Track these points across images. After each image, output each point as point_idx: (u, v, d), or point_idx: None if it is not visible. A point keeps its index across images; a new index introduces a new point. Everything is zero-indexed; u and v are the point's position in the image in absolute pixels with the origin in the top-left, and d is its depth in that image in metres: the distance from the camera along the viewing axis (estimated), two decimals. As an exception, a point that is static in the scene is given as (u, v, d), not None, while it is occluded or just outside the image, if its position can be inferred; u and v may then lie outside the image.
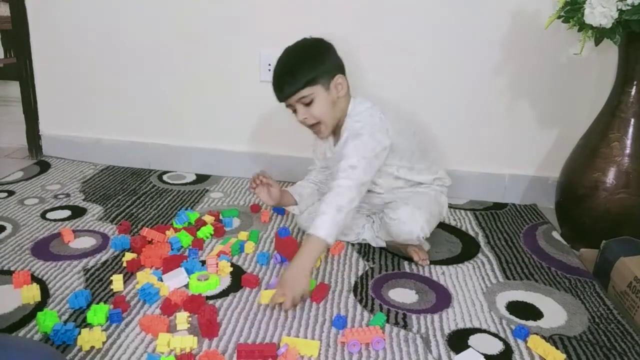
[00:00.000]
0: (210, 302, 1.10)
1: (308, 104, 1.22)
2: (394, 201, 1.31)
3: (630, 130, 1.36)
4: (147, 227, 1.39)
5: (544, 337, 1.02)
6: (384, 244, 1.36)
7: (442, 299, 1.16)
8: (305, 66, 1.21)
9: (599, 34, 1.28)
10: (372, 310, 1.10)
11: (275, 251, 1.29)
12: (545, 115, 1.68)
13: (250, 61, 1.75)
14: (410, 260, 1.31)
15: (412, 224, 1.23)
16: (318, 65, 1.22)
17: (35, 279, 1.16)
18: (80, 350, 0.94)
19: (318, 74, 1.21)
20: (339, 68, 1.26)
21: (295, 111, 1.24)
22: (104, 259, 1.26)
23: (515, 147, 1.73)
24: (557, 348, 0.99)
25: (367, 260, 1.31)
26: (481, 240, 1.46)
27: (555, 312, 1.12)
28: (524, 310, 1.13)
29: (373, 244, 1.38)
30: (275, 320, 1.05)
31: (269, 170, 1.82)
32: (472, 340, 1.02)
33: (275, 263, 1.27)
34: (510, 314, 1.11)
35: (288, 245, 1.24)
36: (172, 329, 1.00)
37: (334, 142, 1.32)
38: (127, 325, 1.01)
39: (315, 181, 1.43)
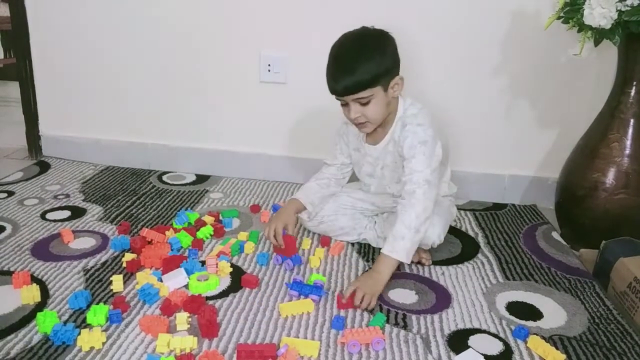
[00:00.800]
0: (210, 302, 1.10)
1: (364, 104, 1.16)
2: None
3: (630, 130, 1.36)
4: (147, 227, 1.39)
5: (543, 338, 1.02)
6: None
7: (442, 300, 1.16)
8: (368, 65, 1.13)
9: (599, 35, 1.28)
10: (372, 311, 1.10)
11: (274, 253, 1.29)
12: (545, 116, 1.69)
13: (250, 61, 1.76)
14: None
15: (430, 229, 1.22)
16: (382, 64, 1.15)
17: (35, 279, 1.16)
18: (80, 350, 0.94)
19: (381, 73, 1.14)
20: (398, 66, 1.20)
21: (345, 105, 1.19)
22: (103, 259, 1.26)
23: (515, 148, 1.73)
24: (557, 348, 0.99)
25: (367, 261, 1.31)
26: (481, 240, 1.46)
27: (555, 313, 1.12)
28: (523, 311, 1.13)
29: (374, 244, 1.38)
30: (275, 320, 1.05)
31: (268, 169, 1.84)
32: (472, 340, 1.02)
33: (276, 264, 1.26)
34: (510, 314, 1.11)
35: (287, 243, 1.24)
36: (172, 329, 1.00)
37: (373, 140, 1.29)
38: (127, 325, 1.01)
39: (329, 178, 1.40)
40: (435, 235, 1.25)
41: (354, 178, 1.44)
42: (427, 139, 1.19)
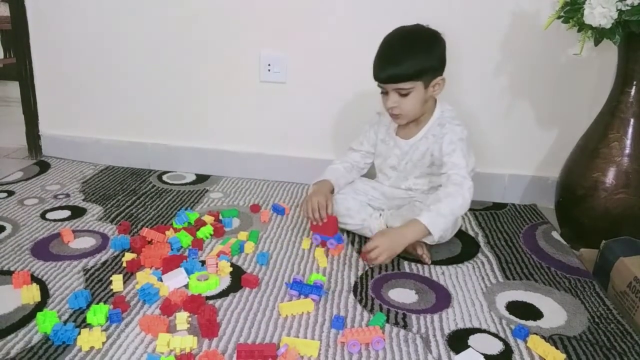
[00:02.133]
0: (210, 302, 1.10)
1: (403, 95, 1.23)
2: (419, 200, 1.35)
3: (630, 130, 1.36)
4: (147, 227, 1.39)
5: (543, 337, 1.02)
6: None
7: (442, 299, 1.16)
8: (415, 58, 1.21)
9: (599, 35, 1.28)
10: (371, 310, 1.10)
11: (313, 232, 1.32)
12: (545, 115, 1.69)
13: (250, 61, 1.76)
14: (410, 260, 1.31)
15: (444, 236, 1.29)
16: (428, 61, 1.22)
17: (35, 279, 1.16)
18: (80, 350, 0.94)
19: (425, 69, 1.22)
20: (443, 67, 1.27)
21: (385, 93, 1.26)
22: (103, 259, 1.26)
23: (515, 147, 1.73)
24: (557, 348, 0.99)
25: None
26: (481, 240, 1.46)
27: (555, 312, 1.12)
28: (523, 310, 1.13)
29: None
30: (275, 320, 1.05)
31: (268, 169, 1.84)
32: (472, 340, 1.02)
33: (315, 243, 1.33)
34: (510, 314, 1.11)
35: (330, 222, 1.28)
36: (171, 329, 1.00)
37: (405, 135, 1.35)
38: (126, 325, 1.01)
39: (352, 163, 1.45)
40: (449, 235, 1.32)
41: (368, 174, 1.49)
42: (464, 137, 1.28)
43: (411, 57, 1.21)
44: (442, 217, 1.19)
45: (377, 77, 1.25)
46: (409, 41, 1.25)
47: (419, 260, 1.31)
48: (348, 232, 1.45)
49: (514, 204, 1.73)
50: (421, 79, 1.22)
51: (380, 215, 1.40)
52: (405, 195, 1.41)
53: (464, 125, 1.31)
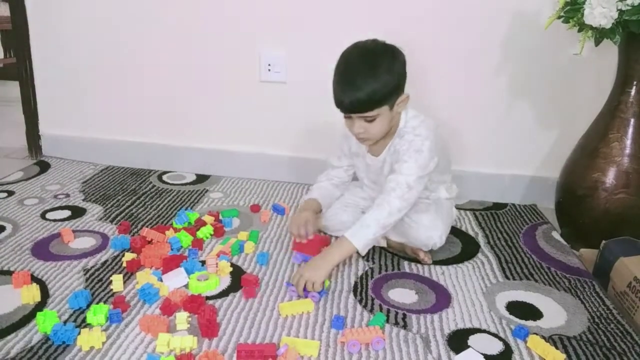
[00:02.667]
0: (210, 302, 1.10)
1: (369, 121, 1.16)
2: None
3: (630, 130, 1.36)
4: (147, 227, 1.39)
5: (543, 337, 1.02)
6: (384, 243, 1.36)
7: (441, 299, 1.16)
8: (377, 85, 1.11)
9: (599, 34, 1.28)
10: (372, 310, 1.10)
11: (294, 251, 1.29)
12: (545, 115, 1.68)
13: (250, 61, 1.75)
14: (410, 260, 1.32)
15: (433, 230, 1.25)
16: (390, 85, 1.13)
17: (35, 279, 1.16)
18: (80, 350, 0.94)
19: (387, 94, 1.14)
20: (404, 82, 1.19)
21: (349, 118, 1.18)
22: (103, 259, 1.26)
23: (515, 147, 1.73)
24: (557, 348, 0.99)
25: (367, 260, 1.31)
26: (481, 240, 1.46)
27: (555, 312, 1.12)
28: (523, 310, 1.13)
29: (374, 243, 1.37)
30: (275, 320, 1.05)
31: (268, 169, 1.84)
32: (472, 340, 1.02)
33: (294, 262, 1.27)
34: (510, 314, 1.11)
35: (314, 241, 1.25)
36: (171, 329, 1.00)
37: (375, 151, 1.29)
38: (126, 325, 1.01)
39: (335, 178, 1.41)
40: (437, 235, 1.26)
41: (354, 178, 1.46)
42: (422, 149, 1.19)
43: (373, 82, 1.11)
44: (365, 228, 1.15)
45: (339, 104, 1.15)
46: (368, 65, 1.13)
47: (417, 260, 1.31)
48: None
49: (514, 204, 1.73)
50: (386, 103, 1.14)
51: None
52: None
53: (425, 136, 1.20)
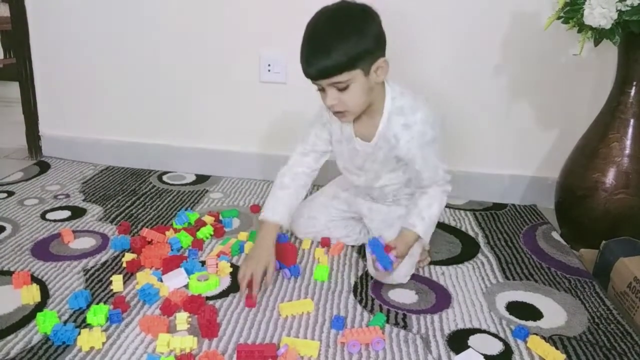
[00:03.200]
0: (210, 302, 1.10)
1: (342, 90, 1.03)
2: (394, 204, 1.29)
3: (630, 130, 1.36)
4: (147, 227, 1.39)
5: (543, 338, 1.02)
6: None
7: (442, 300, 1.16)
8: (345, 45, 0.99)
9: (599, 35, 1.28)
10: (372, 311, 1.10)
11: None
12: (545, 116, 1.69)
13: (250, 61, 1.75)
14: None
15: (397, 274, 1.18)
16: (361, 45, 1.00)
17: (35, 279, 1.16)
18: (80, 350, 0.94)
19: (360, 56, 1.00)
20: (382, 47, 1.05)
21: (322, 90, 1.06)
22: (103, 259, 1.26)
23: (515, 147, 1.73)
24: (557, 348, 0.99)
25: (367, 261, 1.31)
26: (481, 240, 1.46)
27: (555, 313, 1.12)
28: (523, 311, 1.13)
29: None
30: (275, 320, 1.05)
31: (268, 170, 1.84)
32: (472, 340, 1.02)
33: (274, 270, 1.22)
34: (510, 314, 1.11)
35: (286, 251, 1.22)
36: (172, 329, 1.00)
37: (364, 135, 1.16)
38: (127, 325, 1.01)
39: (305, 170, 1.25)
40: (402, 275, 1.19)
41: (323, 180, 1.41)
42: (435, 135, 1.11)
43: (340, 42, 0.99)
44: (431, 224, 1.17)
45: (306, 73, 1.03)
46: (334, 24, 1.02)
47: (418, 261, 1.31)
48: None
49: (514, 205, 1.73)
50: (358, 66, 1.01)
51: (369, 229, 1.34)
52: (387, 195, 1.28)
53: (428, 116, 1.10)
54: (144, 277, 1.16)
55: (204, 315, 1.00)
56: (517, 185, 1.76)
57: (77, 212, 1.52)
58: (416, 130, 1.10)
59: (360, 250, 1.37)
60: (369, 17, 1.04)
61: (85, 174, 1.84)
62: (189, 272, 1.17)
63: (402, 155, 1.14)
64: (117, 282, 1.13)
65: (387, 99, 1.11)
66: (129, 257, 1.24)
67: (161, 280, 1.15)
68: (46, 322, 0.97)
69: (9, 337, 0.97)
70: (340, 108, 1.07)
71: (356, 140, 1.18)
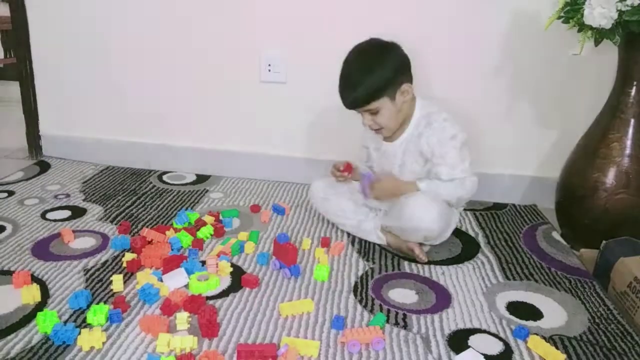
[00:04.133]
0: (210, 302, 1.10)
1: (374, 114, 1.26)
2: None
3: (630, 130, 1.36)
4: (147, 227, 1.39)
5: (544, 338, 1.02)
6: (383, 241, 1.36)
7: (442, 299, 1.16)
8: (368, 80, 1.22)
9: (599, 35, 1.28)
10: (372, 311, 1.10)
11: (274, 257, 1.27)
12: (545, 116, 1.69)
13: (250, 61, 1.76)
14: (410, 260, 1.32)
15: (426, 211, 1.25)
16: (383, 76, 1.22)
17: (35, 279, 1.16)
18: (80, 350, 0.94)
19: (382, 87, 1.22)
20: (404, 73, 1.27)
21: (361, 113, 1.29)
22: (104, 259, 1.26)
23: (515, 147, 1.73)
24: (557, 348, 0.99)
25: (367, 261, 1.31)
26: (481, 240, 1.46)
27: (555, 313, 1.12)
28: (524, 311, 1.13)
29: (373, 237, 1.38)
30: (275, 320, 1.05)
31: (268, 169, 1.84)
32: (472, 340, 1.02)
33: (273, 269, 1.25)
34: (510, 314, 1.11)
35: (287, 251, 1.23)
36: (172, 329, 1.00)
37: (390, 138, 1.36)
38: (127, 325, 1.01)
39: None
40: (429, 220, 1.25)
41: None
42: (455, 134, 1.28)
43: (364, 78, 1.22)
44: (436, 195, 1.27)
45: (343, 104, 1.27)
46: (360, 62, 1.25)
47: (417, 260, 1.31)
48: (348, 232, 1.45)
49: (514, 204, 1.73)
50: (383, 95, 1.23)
51: (376, 215, 1.40)
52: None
53: (452, 120, 1.30)
54: (144, 277, 1.16)
55: (204, 315, 1.00)
56: (517, 185, 1.76)
57: (77, 212, 1.52)
58: (436, 127, 1.28)
59: (361, 249, 1.37)
60: (389, 51, 1.25)
61: (86, 174, 1.84)
62: (189, 272, 1.17)
63: (423, 150, 1.30)
64: (117, 282, 1.13)
65: (417, 110, 1.32)
66: (129, 256, 1.24)
67: (161, 280, 1.15)
68: (46, 322, 0.97)
69: (9, 337, 0.97)
70: (376, 127, 1.30)
71: (383, 144, 1.38)
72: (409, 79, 1.28)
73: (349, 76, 1.25)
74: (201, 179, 1.85)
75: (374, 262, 1.31)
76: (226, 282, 1.18)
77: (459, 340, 1.02)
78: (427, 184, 1.29)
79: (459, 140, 1.28)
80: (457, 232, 1.49)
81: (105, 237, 1.37)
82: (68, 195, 1.64)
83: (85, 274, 1.19)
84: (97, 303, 1.06)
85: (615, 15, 1.21)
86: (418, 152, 1.32)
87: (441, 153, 1.28)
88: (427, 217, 1.25)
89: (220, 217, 1.49)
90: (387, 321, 1.06)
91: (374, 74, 1.22)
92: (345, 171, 1.38)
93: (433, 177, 1.31)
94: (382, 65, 1.23)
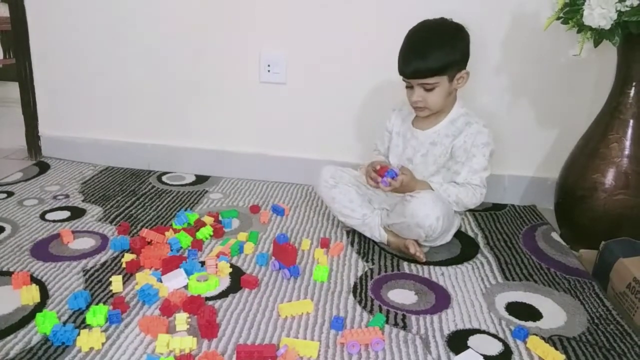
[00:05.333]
0: (210, 303, 1.10)
1: (428, 90, 1.25)
2: None
3: (630, 131, 1.36)
4: (147, 228, 1.39)
5: (543, 338, 1.02)
6: (384, 239, 1.36)
7: (441, 300, 1.16)
8: (440, 53, 1.23)
9: (598, 35, 1.28)
10: (371, 311, 1.10)
11: (273, 257, 1.27)
12: (545, 116, 1.69)
13: (250, 61, 1.76)
14: (409, 261, 1.32)
15: (431, 209, 1.24)
16: (452, 56, 1.24)
17: (34, 279, 1.16)
18: (79, 351, 0.94)
19: (449, 65, 1.24)
20: (467, 61, 1.29)
21: (410, 87, 1.28)
22: (103, 259, 1.26)
23: (515, 148, 1.73)
24: (557, 349, 0.99)
25: (367, 261, 1.31)
26: (480, 241, 1.46)
27: (554, 313, 1.12)
28: (523, 311, 1.13)
29: (375, 233, 1.38)
30: (275, 321, 1.05)
31: (268, 170, 1.84)
32: (472, 341, 1.02)
33: (273, 270, 1.25)
34: (510, 314, 1.11)
35: (286, 251, 1.22)
36: (171, 329, 1.00)
37: (421, 126, 1.37)
38: (126, 326, 1.01)
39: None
40: (434, 215, 1.24)
41: None
42: (490, 142, 1.32)
43: (436, 50, 1.23)
44: (449, 188, 1.30)
45: (402, 71, 1.26)
46: (434, 35, 1.26)
47: (416, 260, 1.31)
48: (348, 232, 1.45)
49: (513, 205, 1.73)
50: (446, 73, 1.24)
51: (383, 210, 1.40)
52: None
53: (490, 130, 1.33)
54: (143, 278, 1.16)
55: (203, 316, 1.00)
56: (516, 186, 1.76)
57: (77, 213, 1.52)
58: (475, 128, 1.31)
59: (360, 250, 1.37)
60: (461, 33, 1.28)
61: (85, 174, 1.84)
62: (188, 273, 1.17)
63: (457, 145, 1.31)
64: (116, 283, 1.13)
65: (456, 106, 1.35)
66: (128, 257, 1.24)
67: (161, 281, 1.15)
68: (45, 323, 0.97)
69: (8, 338, 0.96)
70: (422, 104, 1.28)
71: (414, 130, 1.38)
72: (466, 68, 1.30)
73: (421, 45, 1.25)
74: (200, 179, 1.85)
75: (373, 263, 1.31)
76: (225, 282, 1.18)
77: (458, 340, 1.02)
78: (438, 186, 1.31)
79: (489, 150, 1.31)
80: (457, 233, 1.48)
81: (104, 238, 1.37)
82: (67, 196, 1.64)
83: (84, 275, 1.19)
84: (97, 304, 1.06)
85: (615, 16, 1.21)
86: (449, 148, 1.32)
87: (469, 155, 1.30)
88: (431, 214, 1.24)
89: (220, 218, 1.49)
90: (387, 322, 1.06)
91: (446, 50, 1.23)
92: (379, 175, 1.29)
93: (451, 175, 1.34)
94: (455, 45, 1.25)
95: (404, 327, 1.05)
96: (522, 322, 1.08)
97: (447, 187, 1.30)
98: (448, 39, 1.25)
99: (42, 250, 1.29)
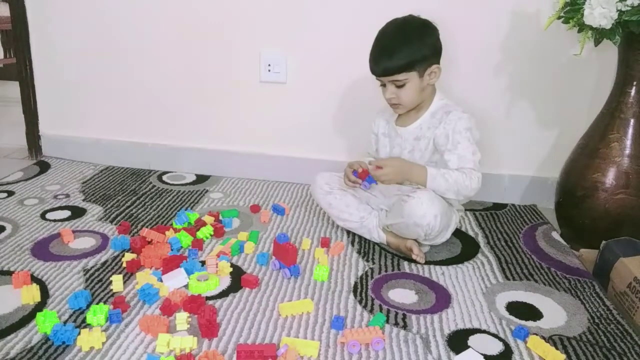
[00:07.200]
0: (210, 302, 1.10)
1: (399, 87, 1.27)
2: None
3: (630, 130, 1.36)
4: (147, 227, 1.39)
5: (543, 338, 1.02)
6: (383, 240, 1.37)
7: (441, 300, 1.16)
8: (406, 50, 1.24)
9: (599, 35, 1.28)
10: (371, 311, 1.10)
11: (274, 257, 1.27)
12: (545, 116, 1.69)
13: (250, 61, 1.76)
14: (410, 260, 1.32)
15: (428, 207, 1.23)
16: (419, 52, 1.25)
17: (35, 279, 1.16)
18: (80, 350, 0.94)
19: (416, 60, 1.25)
20: (437, 55, 1.30)
21: (384, 85, 1.30)
22: (103, 259, 1.26)
23: (515, 147, 1.73)
24: (557, 348, 0.99)
25: (367, 261, 1.31)
26: (481, 240, 1.46)
27: (554, 313, 1.12)
28: (523, 311, 1.13)
29: (374, 235, 1.38)
30: (275, 320, 1.05)
31: (268, 170, 1.84)
32: (472, 340, 1.02)
33: (273, 269, 1.25)
34: (510, 314, 1.11)
35: (287, 251, 1.22)
36: (171, 329, 1.00)
37: (403, 123, 1.37)
38: (126, 325, 1.01)
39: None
40: (432, 216, 1.23)
41: None
42: (471, 126, 1.30)
43: (402, 47, 1.24)
44: (444, 181, 1.25)
45: (373, 70, 1.29)
46: (400, 33, 1.27)
47: (416, 260, 1.31)
48: (348, 232, 1.45)
49: (514, 205, 1.73)
50: (414, 69, 1.25)
51: (382, 210, 1.40)
52: (399, 192, 1.36)
53: (470, 116, 1.32)
54: (143, 277, 1.16)
55: (203, 315, 1.00)
56: (517, 185, 1.76)
57: (77, 212, 1.52)
58: (455, 115, 1.30)
59: (361, 250, 1.37)
60: (428, 29, 1.29)
61: (85, 174, 1.84)
62: (188, 272, 1.17)
63: (438, 134, 1.30)
64: (117, 282, 1.13)
65: (436, 99, 1.35)
66: (128, 257, 1.24)
67: (161, 280, 1.15)
68: (46, 322, 0.97)
69: (8, 337, 0.97)
70: (396, 101, 1.30)
71: (397, 128, 1.39)
72: (439, 63, 1.31)
73: (388, 44, 1.27)
74: (201, 179, 1.85)
75: (373, 263, 1.31)
76: (226, 282, 1.18)
77: (458, 340, 1.02)
78: (435, 168, 1.28)
79: (472, 134, 1.30)
80: (457, 232, 1.49)
81: (105, 237, 1.37)
82: (68, 196, 1.64)
83: (85, 274, 1.19)
84: (97, 303, 1.06)
85: (615, 15, 1.21)
86: (432, 140, 1.32)
87: (453, 142, 1.28)
88: (428, 213, 1.24)
89: (220, 217, 1.49)
90: (387, 321, 1.06)
91: (413, 46, 1.24)
92: (360, 178, 1.31)
93: (442, 166, 1.31)
94: (422, 41, 1.26)
95: (405, 327, 1.05)
96: (523, 322, 1.08)
97: (445, 170, 1.27)
98: (414, 35, 1.26)
99: (43, 249, 1.30)
